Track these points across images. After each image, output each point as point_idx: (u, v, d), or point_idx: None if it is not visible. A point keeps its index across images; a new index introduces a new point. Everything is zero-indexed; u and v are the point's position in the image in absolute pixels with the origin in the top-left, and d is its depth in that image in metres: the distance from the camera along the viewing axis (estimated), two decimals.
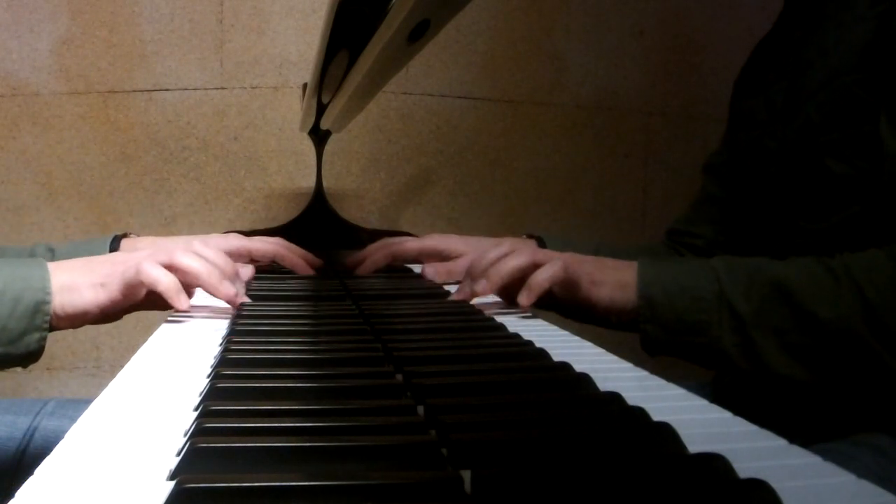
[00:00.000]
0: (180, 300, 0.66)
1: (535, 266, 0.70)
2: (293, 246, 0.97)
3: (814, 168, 0.76)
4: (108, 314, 0.67)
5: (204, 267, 0.68)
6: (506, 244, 0.75)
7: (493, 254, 0.73)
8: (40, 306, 0.62)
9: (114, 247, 0.88)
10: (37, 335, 0.63)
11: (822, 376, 0.65)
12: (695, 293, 0.67)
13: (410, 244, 0.98)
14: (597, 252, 1.00)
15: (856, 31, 0.74)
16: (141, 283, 0.65)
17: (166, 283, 0.65)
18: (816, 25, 0.80)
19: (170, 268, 0.66)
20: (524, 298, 0.69)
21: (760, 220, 0.87)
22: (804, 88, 0.78)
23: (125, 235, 0.93)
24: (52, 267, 0.65)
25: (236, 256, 0.92)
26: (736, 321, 0.66)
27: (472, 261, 0.76)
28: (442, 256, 0.96)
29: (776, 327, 0.65)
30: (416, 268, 1.04)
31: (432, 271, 0.92)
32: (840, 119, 0.73)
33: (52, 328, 0.64)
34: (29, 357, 0.64)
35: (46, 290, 0.63)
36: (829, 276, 0.65)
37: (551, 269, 0.69)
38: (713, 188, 1.00)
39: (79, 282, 0.65)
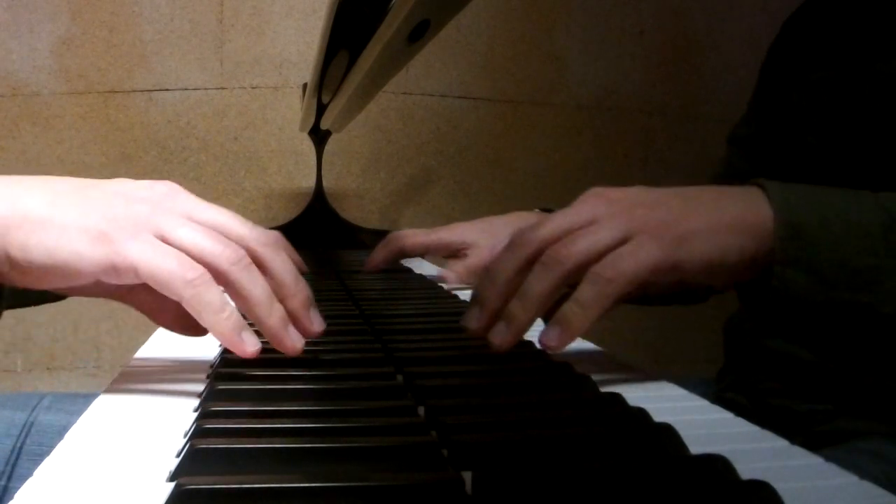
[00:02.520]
0: (241, 342, 0.42)
1: (574, 272, 0.44)
2: (289, 245, 0.95)
3: (862, 180, 0.71)
4: (101, 290, 0.43)
5: (267, 300, 0.42)
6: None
7: (503, 266, 0.46)
8: None
9: None
10: None
11: None
12: (862, 226, 0.45)
13: (414, 240, 0.94)
14: None
15: None
16: (175, 291, 0.40)
17: (217, 320, 0.41)
18: (871, 18, 0.74)
19: (221, 277, 0.41)
20: (553, 337, 0.44)
21: None
22: (858, 89, 0.71)
23: None
24: (20, 183, 0.41)
25: None
26: None
27: (483, 272, 0.49)
28: (451, 249, 0.93)
29: None
30: (417, 267, 1.04)
31: (454, 277, 0.87)
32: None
33: (4, 279, 0.41)
34: None
35: None
36: None
37: (600, 283, 0.43)
38: (739, 162, 0.92)
39: (64, 217, 0.39)
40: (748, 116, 0.93)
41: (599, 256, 0.44)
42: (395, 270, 1.00)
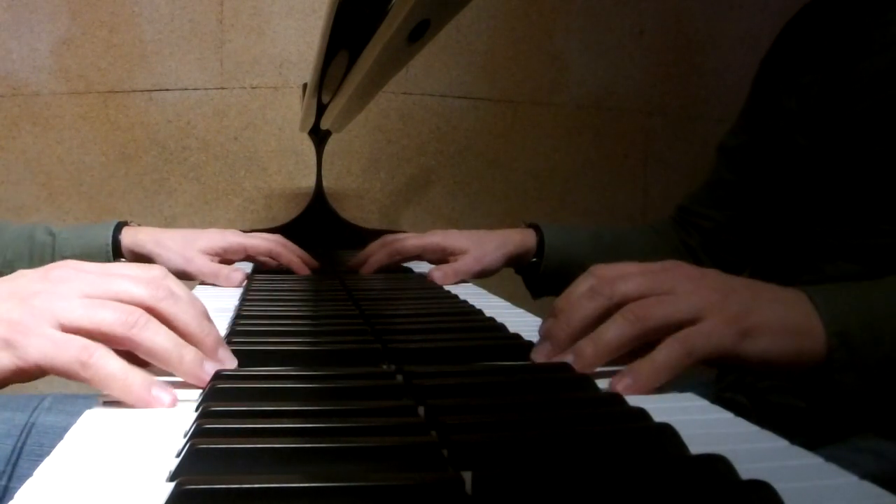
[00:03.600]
0: (153, 401, 0.41)
1: (648, 333, 0.48)
2: (290, 244, 0.97)
3: (851, 176, 0.72)
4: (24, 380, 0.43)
5: (174, 349, 0.44)
6: (590, 280, 0.52)
7: (582, 311, 0.50)
8: None
9: (115, 235, 0.88)
10: None
11: None
12: None
13: (412, 241, 0.97)
14: (597, 238, 0.99)
15: None
16: (77, 375, 0.41)
17: (121, 387, 0.41)
18: (857, 20, 0.75)
19: (124, 343, 0.43)
20: (636, 387, 0.46)
21: (779, 217, 0.84)
22: (844, 88, 0.73)
23: (126, 223, 0.91)
24: None
25: (233, 252, 0.93)
26: None
27: (557, 308, 0.52)
28: (445, 253, 0.96)
29: None
30: (416, 267, 1.04)
31: (440, 275, 0.91)
32: (887, 132, 0.69)
33: None
34: None
35: None
36: None
37: (676, 351, 0.46)
38: (726, 172, 0.95)
39: None
40: (737, 128, 0.95)
41: (674, 326, 0.47)
42: (394, 270, 1.00)
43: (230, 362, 0.47)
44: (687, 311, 0.48)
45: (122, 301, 0.44)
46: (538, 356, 0.51)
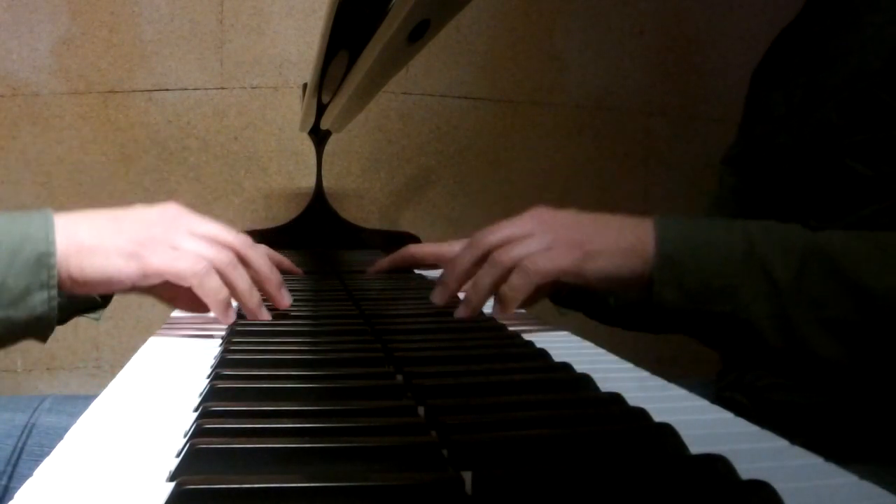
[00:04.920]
0: (228, 315, 0.59)
1: (508, 271, 0.61)
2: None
3: (829, 167, 0.74)
4: (135, 288, 0.58)
5: (249, 290, 0.60)
6: (470, 240, 0.66)
7: (462, 264, 0.65)
8: (43, 259, 0.54)
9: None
10: (43, 295, 0.54)
11: (864, 360, 0.58)
12: (725, 253, 0.58)
13: (429, 249, 0.95)
14: None
15: (886, 33, 0.72)
16: (188, 279, 0.57)
17: (216, 299, 0.58)
18: (841, 22, 0.78)
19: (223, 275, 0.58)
20: (496, 312, 0.63)
21: (772, 215, 0.85)
22: (825, 86, 0.76)
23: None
24: (71, 221, 0.58)
25: None
26: (771, 288, 0.57)
27: (449, 264, 0.68)
28: None
29: (817, 299, 0.56)
30: (430, 274, 1.04)
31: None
32: (862, 122, 0.71)
33: (68, 291, 0.56)
34: (38, 324, 0.55)
35: (49, 241, 0.54)
36: (874, 247, 0.58)
37: (522, 272, 0.60)
38: (729, 179, 0.95)
39: (106, 244, 0.56)
40: (739, 138, 0.96)
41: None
42: (395, 270, 1.00)
43: (287, 299, 0.64)
44: (538, 247, 0.61)
45: (218, 242, 0.59)
46: (436, 299, 0.67)
